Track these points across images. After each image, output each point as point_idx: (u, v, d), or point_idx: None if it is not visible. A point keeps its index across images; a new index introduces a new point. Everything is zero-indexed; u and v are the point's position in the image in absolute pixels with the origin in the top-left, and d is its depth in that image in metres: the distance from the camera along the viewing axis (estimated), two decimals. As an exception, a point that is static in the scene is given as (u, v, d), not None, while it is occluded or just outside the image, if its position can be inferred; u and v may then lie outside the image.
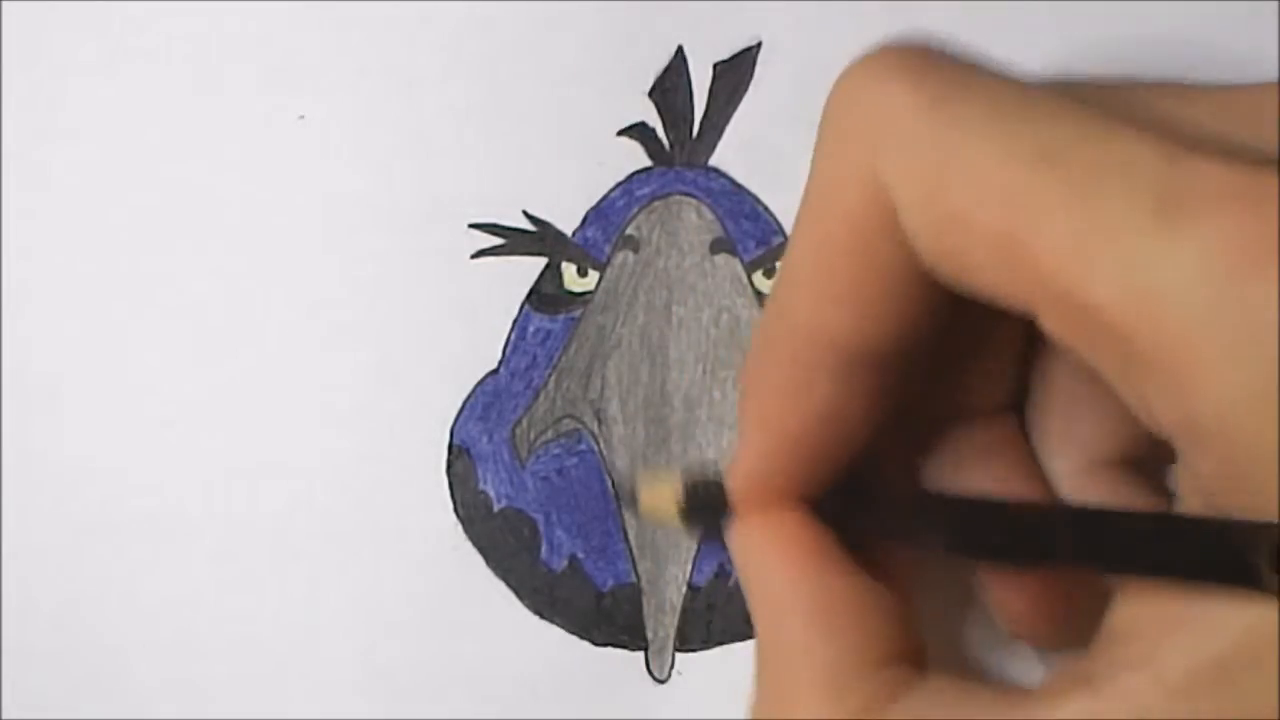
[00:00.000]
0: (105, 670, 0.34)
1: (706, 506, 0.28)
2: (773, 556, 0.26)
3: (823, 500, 0.27)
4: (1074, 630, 0.27)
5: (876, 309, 0.24)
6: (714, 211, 0.34)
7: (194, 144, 0.34)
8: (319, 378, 0.34)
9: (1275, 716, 0.20)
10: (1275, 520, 0.20)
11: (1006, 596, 0.28)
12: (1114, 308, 0.21)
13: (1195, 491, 0.22)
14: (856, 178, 0.23)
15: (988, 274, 0.22)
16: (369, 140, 0.34)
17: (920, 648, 0.26)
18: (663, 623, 0.34)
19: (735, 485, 0.27)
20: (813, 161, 0.25)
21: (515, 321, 0.34)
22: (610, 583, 0.34)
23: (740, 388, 0.27)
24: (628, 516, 0.34)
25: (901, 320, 0.24)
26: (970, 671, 0.31)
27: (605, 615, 0.34)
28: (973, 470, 0.28)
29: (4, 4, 0.34)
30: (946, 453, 0.28)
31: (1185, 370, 0.20)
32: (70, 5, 0.34)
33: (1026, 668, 0.31)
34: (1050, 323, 0.22)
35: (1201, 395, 0.20)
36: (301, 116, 0.34)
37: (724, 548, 0.28)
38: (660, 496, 0.29)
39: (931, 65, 0.23)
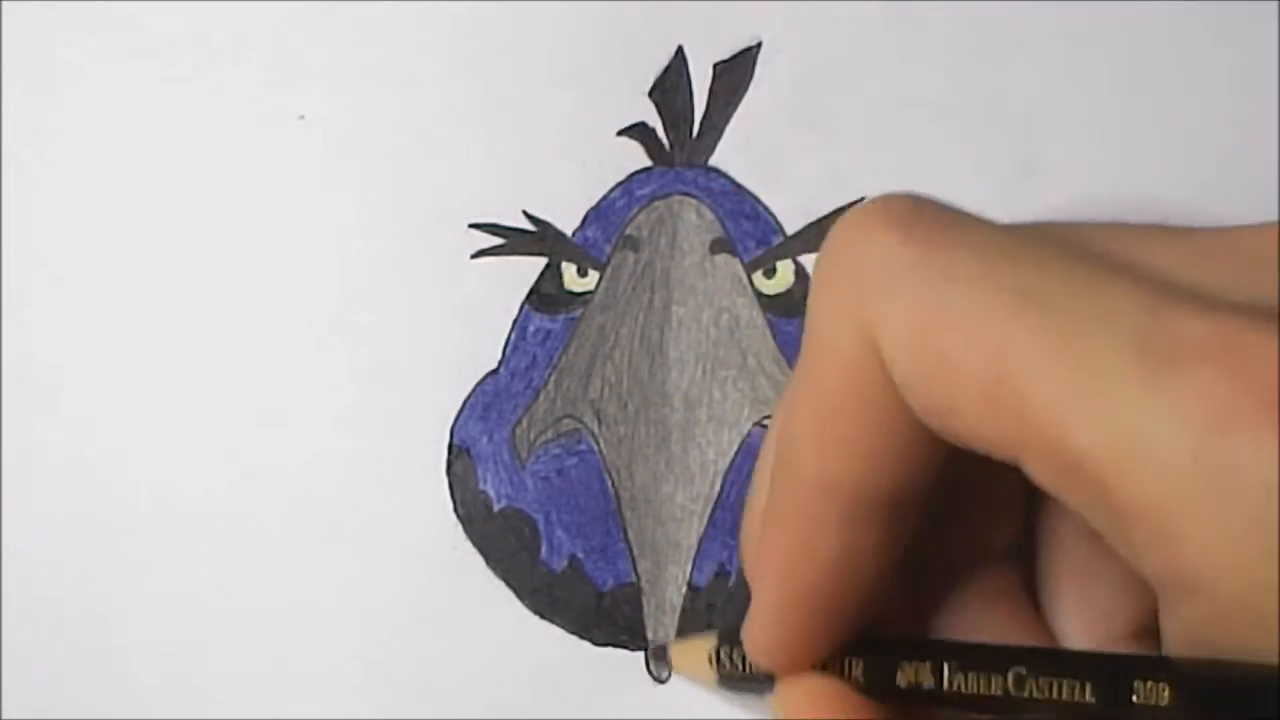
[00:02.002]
0: (105, 670, 0.34)
1: (740, 667, 0.28)
2: None
3: (841, 658, 0.27)
4: None
5: (879, 457, 0.24)
6: (714, 211, 0.34)
7: (194, 144, 0.34)
8: (319, 378, 0.34)
9: None
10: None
11: None
12: (1096, 457, 0.21)
13: (1183, 636, 0.22)
14: (848, 328, 0.24)
15: (974, 421, 0.23)
16: (369, 140, 0.34)
17: None
18: (663, 623, 0.34)
19: (753, 646, 0.27)
20: (808, 312, 0.25)
21: (515, 321, 0.34)
22: (610, 583, 0.34)
23: (746, 551, 0.27)
24: (628, 515, 0.34)
25: (906, 467, 0.24)
26: None
27: (605, 615, 0.34)
28: (977, 616, 0.28)
29: (4, 4, 0.34)
30: (953, 599, 0.28)
31: (1168, 522, 0.21)
32: (70, 5, 0.34)
33: None
34: (1036, 470, 0.22)
35: (1185, 547, 0.21)
36: (301, 116, 0.34)
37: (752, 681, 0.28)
38: (694, 661, 0.29)
39: (919, 215, 0.24)
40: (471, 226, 0.34)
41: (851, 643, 0.26)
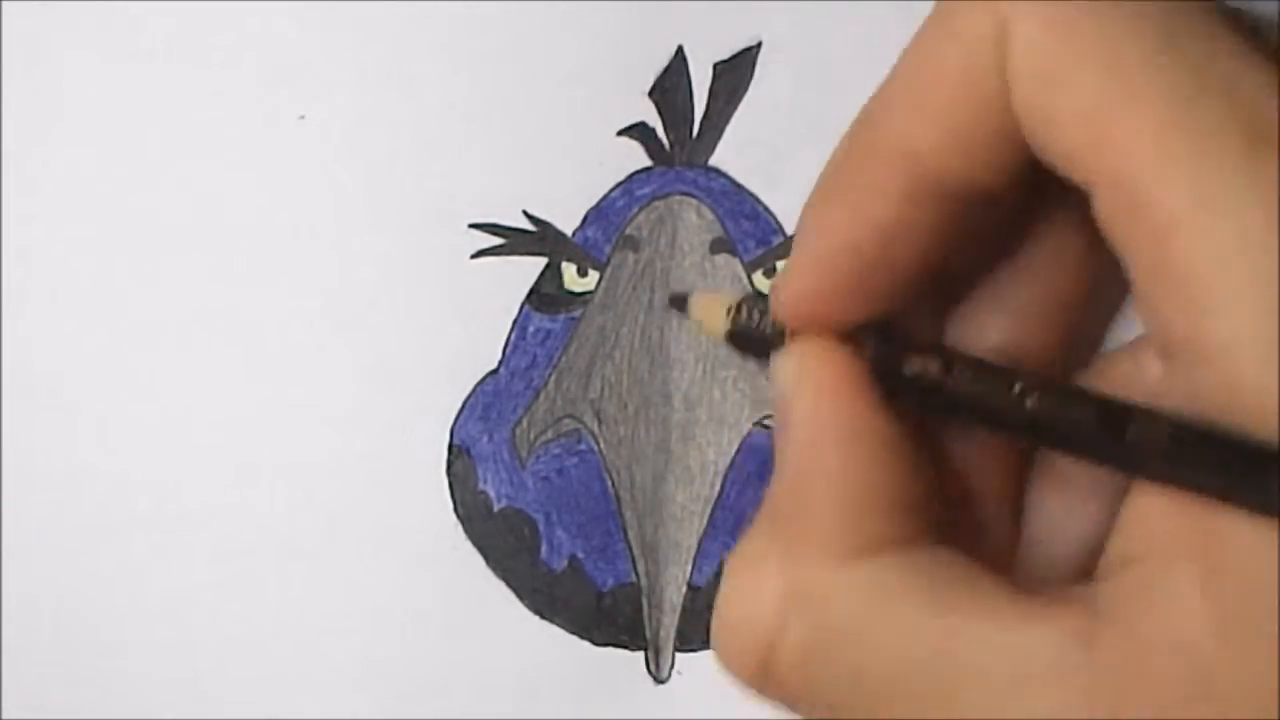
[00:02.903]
0: (105, 670, 0.34)
1: (755, 327, 0.27)
2: (815, 381, 0.26)
3: (859, 333, 0.26)
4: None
5: (964, 143, 0.25)
6: (714, 211, 0.34)
7: (194, 144, 0.34)
8: (319, 378, 0.34)
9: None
10: None
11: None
12: (1168, 205, 0.22)
13: (1185, 404, 0.23)
14: (982, 17, 0.24)
15: (1067, 133, 0.23)
16: (369, 140, 0.34)
17: (931, 512, 0.26)
18: (663, 623, 0.34)
19: (779, 291, 0.27)
20: None
21: (515, 321, 0.34)
22: (610, 583, 0.34)
23: (803, 213, 0.27)
24: (628, 515, 0.34)
25: (984, 162, 0.25)
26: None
27: (605, 615, 0.34)
28: None
29: (4, 4, 0.34)
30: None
31: (1214, 286, 0.21)
32: (70, 5, 0.34)
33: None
34: (1103, 203, 0.23)
35: (1221, 315, 0.21)
36: (301, 116, 0.34)
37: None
38: (712, 311, 0.28)
39: None
40: (471, 226, 0.34)
41: (871, 325, 0.26)
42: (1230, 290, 0.21)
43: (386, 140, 0.34)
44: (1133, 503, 0.24)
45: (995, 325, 0.28)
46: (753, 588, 0.25)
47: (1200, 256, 0.21)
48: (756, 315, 0.27)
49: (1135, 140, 0.22)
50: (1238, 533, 0.22)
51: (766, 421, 0.34)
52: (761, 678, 0.25)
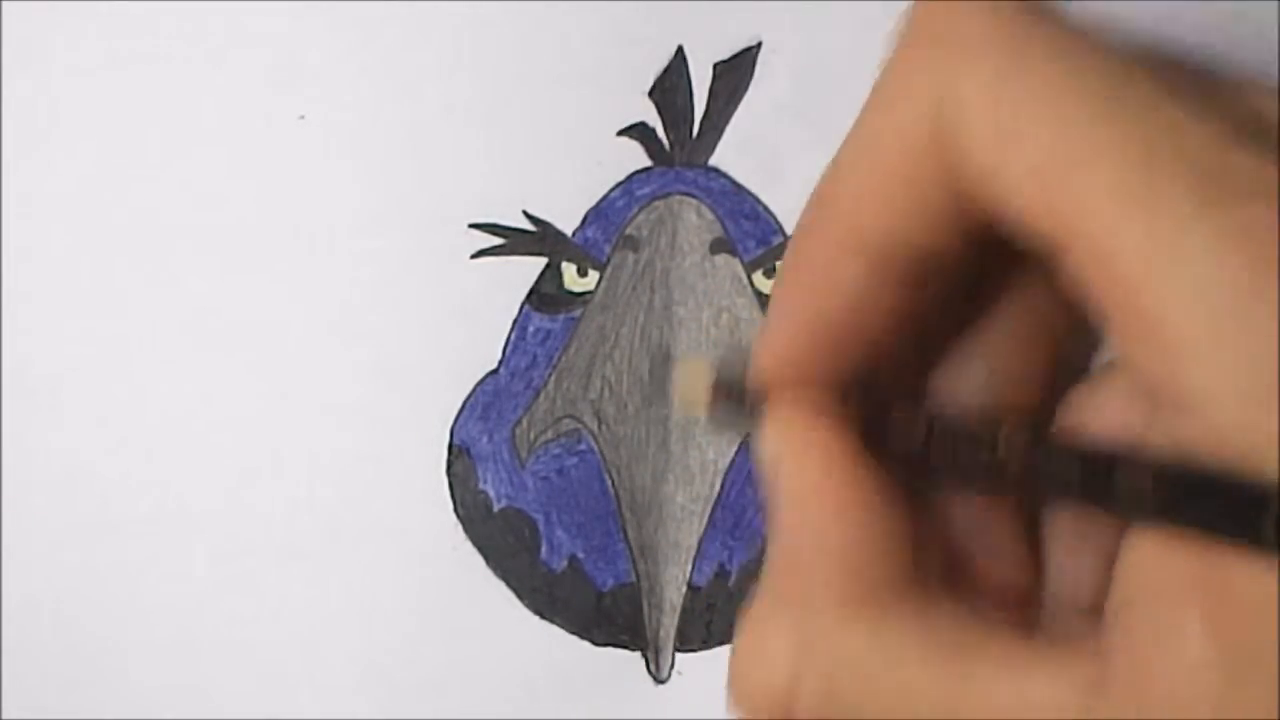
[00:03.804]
0: (105, 670, 0.34)
1: (736, 395, 0.27)
2: (800, 448, 0.26)
3: (841, 392, 0.26)
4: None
5: (917, 219, 0.25)
6: (714, 211, 0.34)
7: (194, 144, 0.34)
8: (319, 378, 0.34)
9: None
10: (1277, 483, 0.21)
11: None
12: (1134, 260, 0.22)
13: (1175, 446, 0.23)
14: (922, 86, 0.24)
15: (1025, 199, 0.23)
16: (369, 140, 0.34)
17: (932, 568, 0.26)
18: (663, 623, 0.34)
19: (763, 358, 0.27)
20: (880, 70, 0.25)
21: (515, 321, 0.34)
22: (610, 583, 0.34)
23: (774, 286, 0.27)
24: (628, 515, 0.34)
25: (939, 231, 0.25)
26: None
27: (605, 615, 0.34)
28: None
29: (4, 4, 0.34)
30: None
31: (1187, 336, 0.22)
32: (70, 5, 0.34)
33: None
34: (1070, 262, 0.23)
35: (1197, 363, 0.22)
36: (301, 116, 0.34)
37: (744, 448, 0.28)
38: (694, 384, 0.28)
39: (1013, 2, 0.25)
40: (471, 226, 0.34)
41: (850, 388, 0.26)
42: (1202, 338, 0.22)
43: (386, 140, 0.34)
44: (1131, 545, 0.24)
45: (976, 380, 0.28)
46: (764, 648, 0.26)
47: (1169, 308, 0.22)
48: (735, 387, 0.27)
49: (1091, 199, 0.22)
50: (1238, 571, 0.22)
51: (766, 421, 0.34)
52: None
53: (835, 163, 0.26)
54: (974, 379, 0.28)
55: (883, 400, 0.26)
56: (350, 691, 0.34)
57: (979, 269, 0.27)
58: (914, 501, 0.26)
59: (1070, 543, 0.28)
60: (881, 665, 0.24)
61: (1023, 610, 0.27)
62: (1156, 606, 0.23)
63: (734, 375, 0.27)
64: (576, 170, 0.34)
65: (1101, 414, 0.27)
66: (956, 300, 0.27)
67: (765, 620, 0.26)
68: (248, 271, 0.34)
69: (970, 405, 0.28)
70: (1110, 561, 0.27)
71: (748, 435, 0.34)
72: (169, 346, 0.34)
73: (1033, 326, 0.28)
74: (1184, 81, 0.24)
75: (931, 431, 0.26)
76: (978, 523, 0.28)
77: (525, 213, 0.34)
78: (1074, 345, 0.29)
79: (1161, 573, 0.23)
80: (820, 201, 0.26)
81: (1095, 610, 0.27)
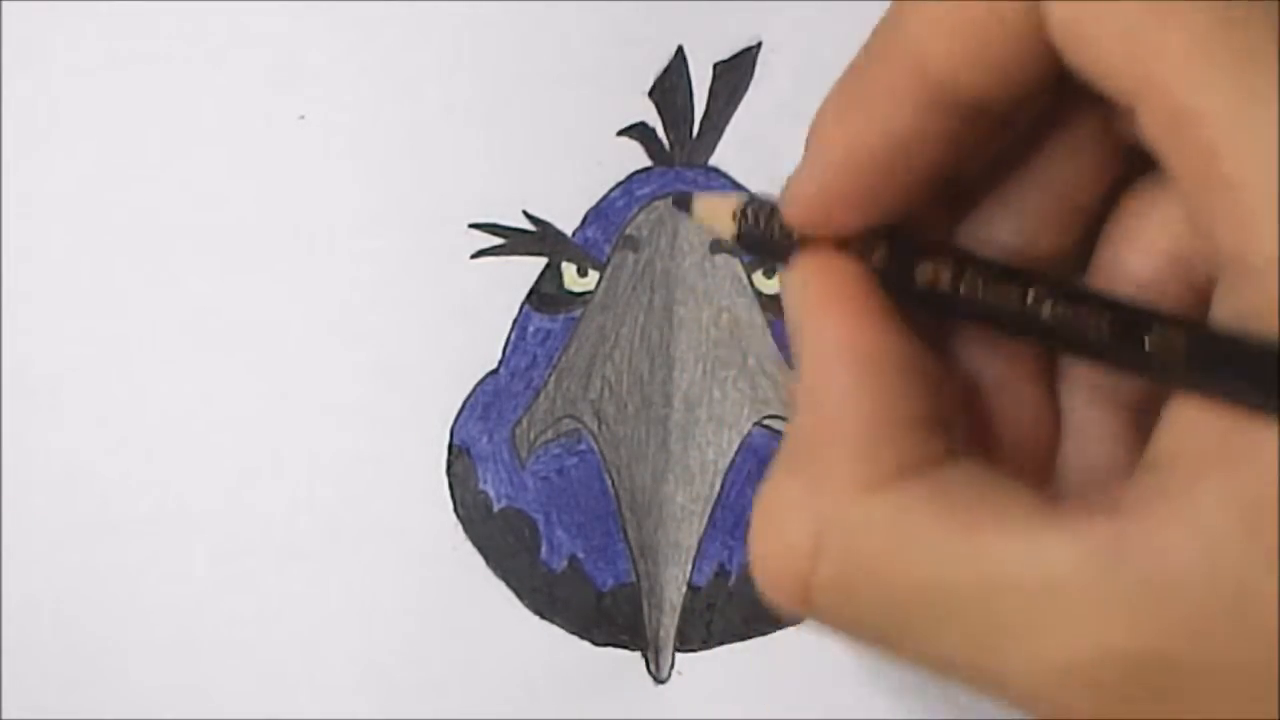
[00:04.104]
0: (105, 670, 0.34)
1: (764, 232, 0.27)
2: (823, 302, 0.25)
3: (870, 239, 0.26)
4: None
5: (989, 57, 0.24)
6: (714, 211, 0.34)
7: (194, 144, 0.34)
8: (319, 378, 0.34)
9: None
10: None
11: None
12: (1217, 121, 0.22)
13: (1232, 320, 0.22)
14: None
15: (1107, 51, 0.23)
16: (369, 140, 0.34)
17: (953, 425, 0.26)
18: (662, 623, 0.34)
19: (791, 195, 0.26)
20: None
21: (515, 321, 0.34)
22: (610, 583, 0.34)
23: (814, 125, 0.26)
24: (628, 515, 0.34)
25: (1006, 79, 0.24)
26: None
27: (605, 615, 0.34)
28: None
29: (4, 4, 0.34)
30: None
31: (1262, 201, 0.21)
32: (70, 5, 0.34)
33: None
34: (1148, 119, 0.23)
35: (1269, 229, 0.21)
36: (301, 116, 0.34)
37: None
38: (717, 212, 0.27)
39: None
40: (471, 226, 0.34)
41: (881, 229, 0.26)
42: (1272, 206, 0.21)
43: (386, 140, 0.34)
44: (1169, 409, 0.24)
45: (1008, 228, 0.27)
46: (781, 524, 0.25)
47: (1247, 174, 0.21)
48: (763, 220, 0.26)
49: (1178, 52, 0.22)
50: (1263, 440, 0.21)
51: (766, 421, 0.34)
52: (805, 606, 0.25)
53: None
54: (1004, 230, 0.27)
55: (911, 244, 0.26)
56: (350, 691, 0.34)
57: (1026, 127, 0.26)
58: (937, 360, 0.26)
59: (1088, 411, 0.28)
60: (901, 536, 0.24)
61: (1040, 474, 0.27)
62: (1181, 471, 0.22)
63: (760, 211, 0.27)
64: (576, 170, 0.34)
65: (1143, 253, 0.26)
66: (997, 158, 0.27)
67: (784, 495, 0.25)
68: (248, 272, 0.34)
69: (999, 257, 0.27)
70: (1129, 428, 0.27)
71: (748, 425, 0.34)
72: (169, 346, 0.34)
73: (1072, 179, 0.27)
74: None
75: (961, 274, 0.25)
76: (999, 383, 0.27)
77: (525, 213, 0.34)
78: (1109, 200, 0.28)
79: (1190, 438, 0.23)
80: (886, 30, 0.25)
81: (1112, 475, 0.27)
